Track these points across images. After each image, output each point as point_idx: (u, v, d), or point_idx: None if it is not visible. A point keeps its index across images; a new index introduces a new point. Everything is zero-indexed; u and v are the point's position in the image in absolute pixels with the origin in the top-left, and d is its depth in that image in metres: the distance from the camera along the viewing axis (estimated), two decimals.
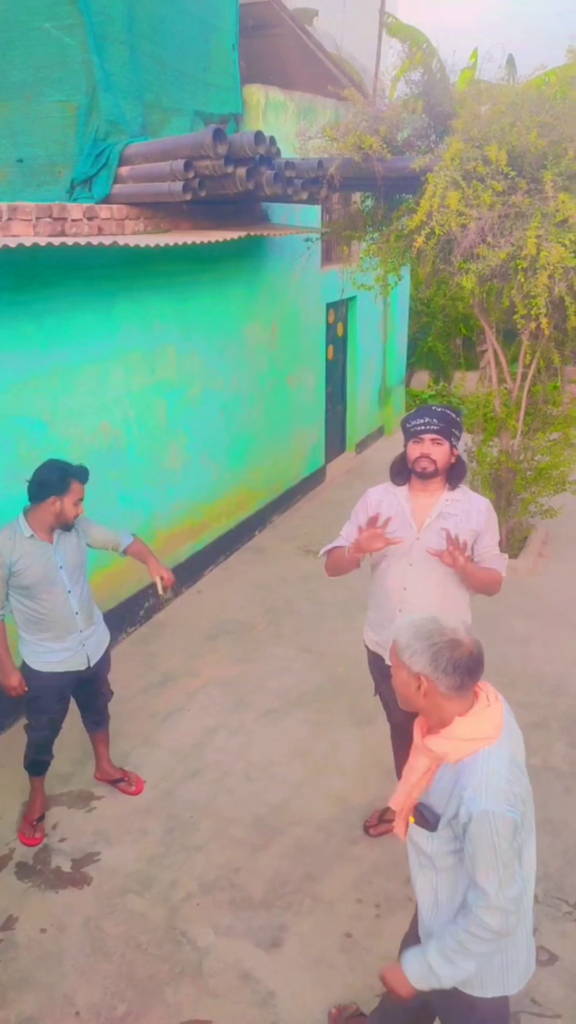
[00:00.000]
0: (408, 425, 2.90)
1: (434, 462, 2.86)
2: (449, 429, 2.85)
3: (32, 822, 3.60)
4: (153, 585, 3.52)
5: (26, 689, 3.37)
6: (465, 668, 1.83)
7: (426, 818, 1.89)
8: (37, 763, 3.59)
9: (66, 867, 3.41)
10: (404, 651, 1.88)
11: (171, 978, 2.90)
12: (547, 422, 6.19)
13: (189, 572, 6.08)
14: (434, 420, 2.84)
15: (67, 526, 3.26)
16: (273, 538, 7.13)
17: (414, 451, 2.89)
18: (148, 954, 3.00)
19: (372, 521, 2.85)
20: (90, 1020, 2.76)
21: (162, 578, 3.45)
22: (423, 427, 2.85)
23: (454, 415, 2.88)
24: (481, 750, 1.82)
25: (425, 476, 2.89)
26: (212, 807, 3.76)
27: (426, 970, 1.90)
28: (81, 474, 3.22)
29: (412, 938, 2.16)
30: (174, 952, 3.01)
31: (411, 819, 1.95)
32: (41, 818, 3.64)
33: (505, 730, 1.88)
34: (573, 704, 4.42)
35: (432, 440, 2.85)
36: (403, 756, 3.48)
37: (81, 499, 3.22)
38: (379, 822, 3.58)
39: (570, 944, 2.99)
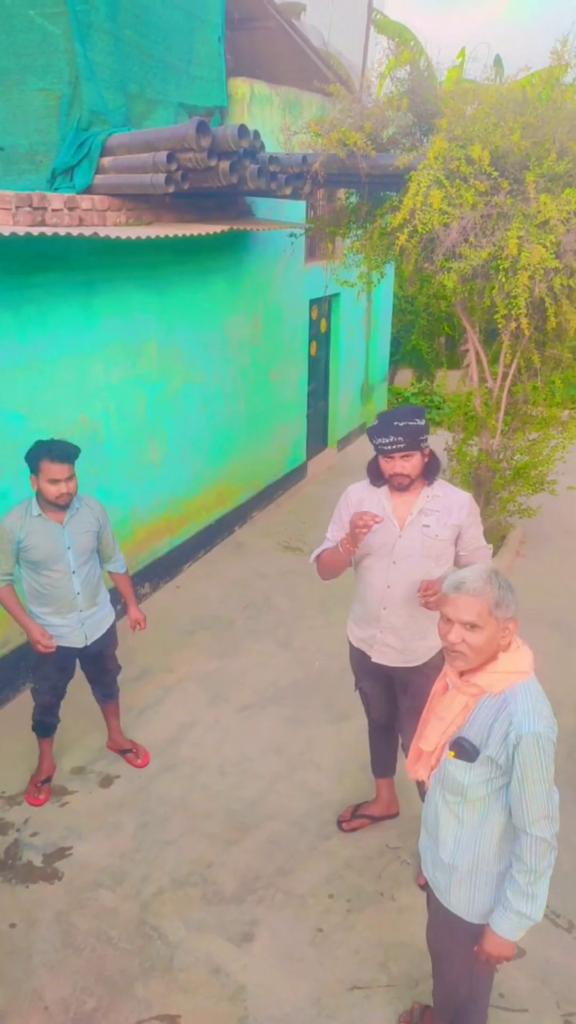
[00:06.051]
0: (375, 442, 2.84)
1: (408, 476, 2.85)
2: (416, 441, 2.80)
3: (38, 783, 3.76)
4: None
5: (52, 642, 3.40)
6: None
7: (467, 750, 2.05)
8: (43, 724, 3.74)
9: (37, 861, 3.40)
10: (499, 606, 2.01)
11: (141, 973, 2.90)
12: (527, 422, 6.23)
13: (168, 567, 6.06)
14: (400, 439, 2.77)
15: (61, 505, 3.28)
16: (253, 534, 7.12)
17: (387, 467, 2.87)
18: (118, 949, 3.00)
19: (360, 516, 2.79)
20: (59, 1015, 2.75)
21: (139, 624, 3.76)
22: (390, 446, 2.80)
23: (419, 422, 2.80)
24: (519, 682, 2.03)
25: (403, 488, 2.89)
26: (186, 802, 3.76)
27: (516, 918, 2.03)
28: (53, 452, 3.17)
29: (434, 914, 2.35)
30: (145, 947, 3.01)
31: (451, 754, 2.10)
32: (47, 780, 3.77)
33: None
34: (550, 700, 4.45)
35: (402, 457, 2.82)
36: (381, 751, 3.54)
37: (59, 479, 3.18)
38: (353, 817, 3.60)
39: (538, 939, 3.02)
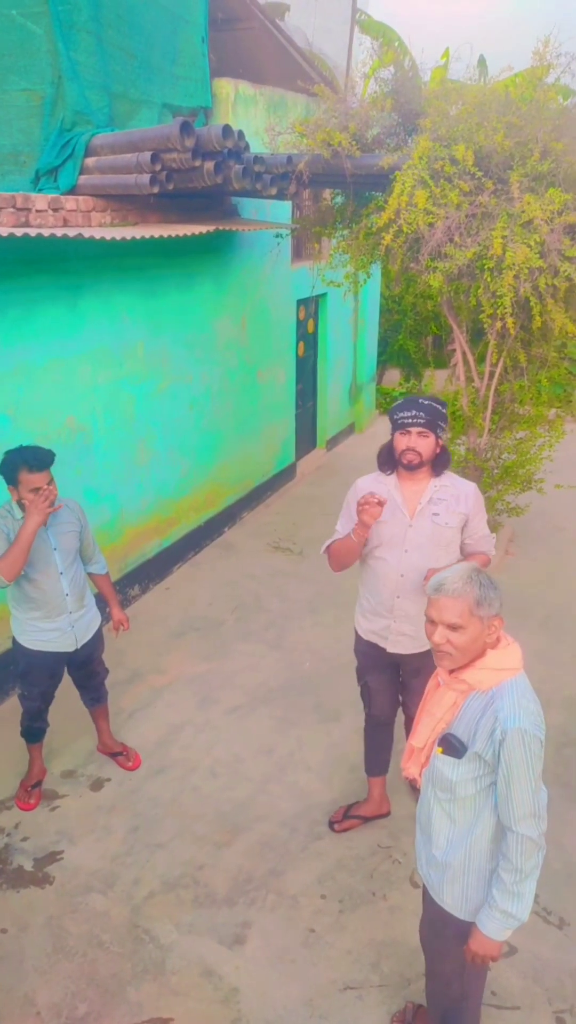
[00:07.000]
0: (395, 416, 2.95)
1: (419, 454, 2.92)
2: (435, 422, 2.91)
3: (28, 788, 3.74)
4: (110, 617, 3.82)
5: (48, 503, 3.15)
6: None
7: (455, 746, 2.06)
8: (32, 730, 3.72)
9: (28, 866, 3.38)
10: (481, 604, 2.01)
11: (133, 976, 2.89)
12: (514, 420, 6.25)
13: (157, 568, 6.04)
14: (421, 413, 2.89)
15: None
16: (242, 535, 7.11)
17: (401, 443, 2.94)
18: (110, 952, 2.98)
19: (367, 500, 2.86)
20: (51, 1020, 2.73)
21: (122, 624, 3.76)
22: (410, 420, 2.90)
23: (440, 407, 2.94)
24: (507, 680, 2.03)
25: (411, 467, 2.95)
26: (176, 804, 3.74)
27: (502, 917, 2.03)
28: (31, 462, 3.09)
29: (428, 911, 2.35)
30: (136, 950, 3.00)
31: (439, 750, 2.11)
32: (37, 784, 3.77)
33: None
34: (538, 697, 4.47)
35: (419, 433, 2.90)
36: (376, 749, 3.54)
37: (39, 487, 3.11)
38: (344, 818, 3.60)
39: (529, 937, 3.03)
